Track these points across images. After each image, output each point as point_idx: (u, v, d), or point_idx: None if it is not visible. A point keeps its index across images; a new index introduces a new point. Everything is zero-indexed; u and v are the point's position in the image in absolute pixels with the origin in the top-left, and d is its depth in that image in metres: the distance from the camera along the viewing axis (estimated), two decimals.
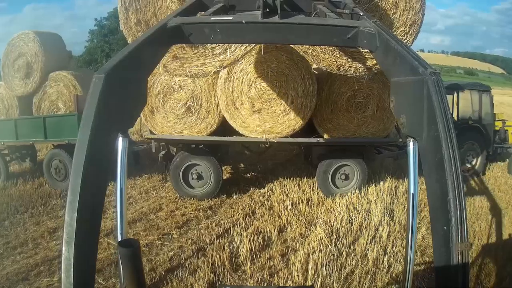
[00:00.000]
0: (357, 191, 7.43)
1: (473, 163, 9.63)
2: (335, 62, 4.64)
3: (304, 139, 7.04)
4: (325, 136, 7.07)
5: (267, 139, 6.67)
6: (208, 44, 4.16)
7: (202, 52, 4.39)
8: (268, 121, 6.68)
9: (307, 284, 4.40)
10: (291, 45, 5.85)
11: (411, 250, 1.71)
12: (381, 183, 8.04)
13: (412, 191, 1.69)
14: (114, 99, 1.67)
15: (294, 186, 7.97)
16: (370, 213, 6.69)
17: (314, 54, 4.79)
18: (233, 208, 6.99)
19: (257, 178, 8.56)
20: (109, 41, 34.29)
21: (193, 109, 6.81)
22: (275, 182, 8.23)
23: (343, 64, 4.66)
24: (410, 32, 4.55)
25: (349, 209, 6.86)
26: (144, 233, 5.93)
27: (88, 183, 1.50)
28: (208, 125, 6.91)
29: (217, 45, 4.33)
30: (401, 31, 4.54)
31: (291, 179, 8.36)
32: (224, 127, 6.99)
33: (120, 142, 1.69)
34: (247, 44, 4.40)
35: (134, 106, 1.93)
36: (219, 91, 6.61)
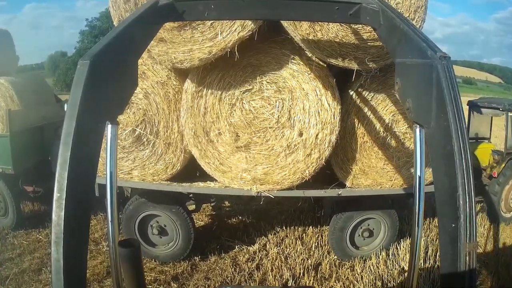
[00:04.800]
0: (383, 253, 5.36)
1: None
2: (338, 51, 3.94)
3: (317, 191, 4.64)
4: (349, 184, 4.75)
5: (258, 192, 4.35)
6: (199, 28, 3.92)
7: (191, 37, 3.93)
8: (261, 163, 4.36)
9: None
10: (300, 44, 4.02)
11: (417, 237, 1.60)
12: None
13: (418, 173, 1.61)
14: (101, 86, 1.55)
15: (295, 242, 5.81)
16: None
17: (315, 40, 3.92)
18: (208, 280, 4.91)
19: (245, 227, 6.37)
20: None
21: (145, 139, 4.52)
22: (270, 233, 6.08)
23: (347, 53, 3.96)
24: (416, 18, 3.96)
25: (376, 285, 4.80)
26: None
27: (76, 178, 1.37)
28: (167, 164, 4.59)
29: (208, 28, 3.92)
30: None
31: (291, 228, 6.25)
32: (194, 166, 4.74)
33: (109, 130, 1.60)
34: (240, 30, 3.81)
35: (124, 91, 1.81)
36: (184, 113, 4.33)
